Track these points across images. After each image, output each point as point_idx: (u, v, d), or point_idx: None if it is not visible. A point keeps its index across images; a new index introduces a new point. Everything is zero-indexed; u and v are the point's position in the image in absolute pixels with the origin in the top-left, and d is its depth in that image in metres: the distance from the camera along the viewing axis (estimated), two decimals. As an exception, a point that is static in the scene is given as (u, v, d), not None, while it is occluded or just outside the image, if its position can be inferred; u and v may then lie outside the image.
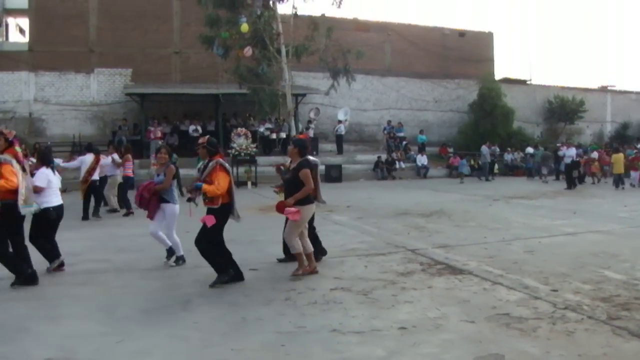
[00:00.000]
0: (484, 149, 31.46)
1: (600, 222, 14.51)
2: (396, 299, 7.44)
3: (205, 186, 7.99)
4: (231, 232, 13.11)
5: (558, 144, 33.19)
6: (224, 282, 8.13)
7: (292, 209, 8.45)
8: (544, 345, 5.68)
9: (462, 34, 41.53)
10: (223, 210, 8.27)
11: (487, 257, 10.04)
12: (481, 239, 11.98)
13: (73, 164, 16.64)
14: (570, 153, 25.41)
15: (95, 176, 16.10)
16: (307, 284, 8.21)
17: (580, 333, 6.00)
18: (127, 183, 17.92)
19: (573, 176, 24.81)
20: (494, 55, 43.19)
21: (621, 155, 26.55)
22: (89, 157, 16.02)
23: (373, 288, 7.96)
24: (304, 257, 8.77)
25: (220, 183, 8.03)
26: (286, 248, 9.21)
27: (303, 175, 8.58)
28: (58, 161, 13.68)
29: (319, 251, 9.71)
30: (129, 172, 18.22)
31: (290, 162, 9.34)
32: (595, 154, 31.31)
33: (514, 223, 14.39)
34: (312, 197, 8.98)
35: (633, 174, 26.76)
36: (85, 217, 15.80)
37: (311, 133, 32.98)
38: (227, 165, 8.34)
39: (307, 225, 9.08)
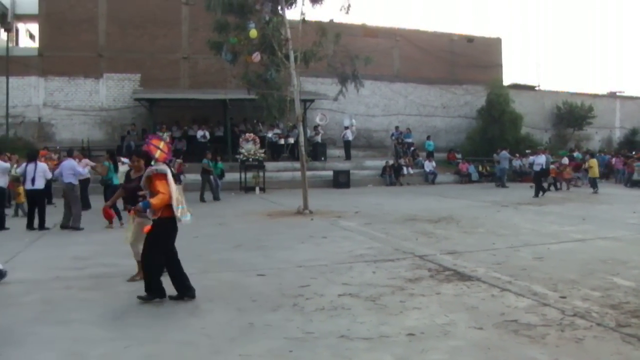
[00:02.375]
0: (504, 154, 31.19)
1: (609, 228, 14.44)
2: (404, 305, 7.42)
3: (152, 202, 7.57)
4: (239, 238, 13.21)
5: (527, 151, 33.10)
6: (151, 300, 7.69)
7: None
8: (552, 352, 5.65)
9: (470, 39, 41.48)
10: (162, 223, 7.69)
11: (495, 263, 10.01)
12: (490, 246, 11.94)
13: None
14: (539, 161, 25.20)
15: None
16: (315, 289, 8.19)
17: (589, 340, 5.97)
18: None
19: (542, 184, 24.74)
20: (502, 61, 43.13)
21: (595, 160, 28.29)
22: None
23: (381, 294, 7.94)
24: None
25: (161, 190, 7.55)
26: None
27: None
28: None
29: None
30: None
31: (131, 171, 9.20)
32: (565, 160, 31.20)
33: (523, 229, 14.35)
34: None
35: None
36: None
37: (319, 138, 33.06)
38: (162, 168, 7.76)
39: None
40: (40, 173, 15.48)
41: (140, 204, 7.73)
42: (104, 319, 6.99)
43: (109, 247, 12.28)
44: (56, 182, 17.60)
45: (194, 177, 25.83)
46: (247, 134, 28.39)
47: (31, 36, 41.99)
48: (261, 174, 27.05)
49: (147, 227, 7.70)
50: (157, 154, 7.89)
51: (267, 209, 19.40)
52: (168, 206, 7.60)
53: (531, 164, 31.84)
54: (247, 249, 11.93)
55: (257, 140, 27.89)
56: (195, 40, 33.25)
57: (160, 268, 7.80)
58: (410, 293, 8.00)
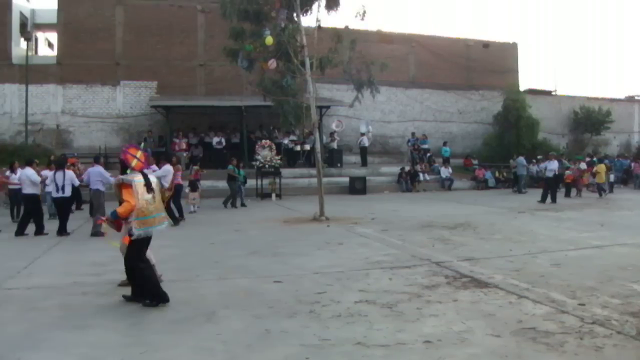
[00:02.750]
0: (521, 160, 30.94)
1: (628, 234, 14.32)
2: (421, 312, 7.38)
3: (117, 210, 7.72)
4: (255, 245, 13.22)
5: (539, 157, 32.78)
6: (155, 305, 7.82)
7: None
8: (571, 360, 5.59)
9: (486, 44, 41.36)
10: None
11: (513, 270, 9.93)
12: (507, 252, 11.86)
13: (157, 173, 17.21)
14: (552, 167, 24.78)
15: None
16: (331, 296, 8.17)
17: (609, 349, 5.90)
18: (179, 191, 18.83)
19: (555, 190, 24.35)
20: (519, 66, 42.90)
21: (603, 166, 28.26)
22: (169, 167, 17.30)
23: (398, 301, 7.90)
24: None
25: (126, 198, 7.71)
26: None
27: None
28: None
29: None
30: (179, 181, 19.19)
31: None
32: (583, 165, 30.62)
33: (540, 236, 14.25)
34: None
35: None
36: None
37: (335, 145, 33.05)
38: (127, 178, 7.88)
39: None
40: (68, 181, 15.69)
41: (110, 213, 7.97)
42: (120, 325, 7.00)
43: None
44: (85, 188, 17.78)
45: (210, 183, 25.94)
46: (263, 141, 28.45)
47: (50, 45, 42.46)
48: (277, 180, 27.06)
49: (126, 238, 7.84)
50: (134, 163, 8.07)
51: (283, 216, 19.41)
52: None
53: (538, 170, 31.71)
54: (263, 255, 11.93)
55: (273, 146, 27.92)
56: (211, 47, 33.39)
57: (151, 271, 8.06)
58: (427, 300, 7.96)
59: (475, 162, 36.34)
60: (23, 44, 31.89)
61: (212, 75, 34.64)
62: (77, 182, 16.39)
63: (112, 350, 6.04)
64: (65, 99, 33.14)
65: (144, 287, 7.88)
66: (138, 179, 7.85)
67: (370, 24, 41.15)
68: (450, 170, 33.68)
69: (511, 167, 32.86)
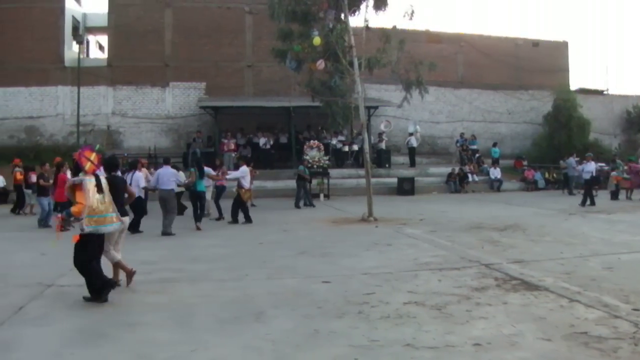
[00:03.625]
0: (571, 161, 30.36)
1: (684, 238, 13.96)
2: (470, 314, 7.30)
3: (72, 210, 8.06)
4: (304, 245, 13.25)
5: (576, 159, 31.50)
6: (88, 300, 8.07)
7: None
8: (625, 366, 5.48)
9: (535, 43, 40.80)
10: (88, 233, 8.08)
11: (563, 273, 9.74)
12: (557, 255, 11.65)
13: (236, 174, 18.72)
14: (588, 168, 24.13)
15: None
16: (380, 297, 8.13)
17: (665, 355, 5.75)
18: (221, 191, 19.89)
19: (592, 192, 23.59)
20: (569, 65, 42.27)
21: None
22: (246, 168, 18.67)
23: (447, 303, 7.83)
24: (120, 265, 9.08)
25: (78, 200, 8.04)
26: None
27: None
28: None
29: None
30: (224, 182, 20.08)
31: None
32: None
33: (592, 238, 13.95)
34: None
35: None
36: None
37: (383, 145, 32.97)
38: (78, 179, 8.22)
39: (119, 240, 9.21)
40: (134, 182, 16.00)
41: (64, 212, 8.44)
42: (170, 323, 7.08)
43: (176, 252, 12.51)
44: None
45: (259, 183, 26.05)
46: (312, 141, 28.54)
47: (101, 47, 43.31)
48: (325, 180, 27.11)
49: (76, 237, 8.10)
50: (87, 166, 8.32)
51: (332, 216, 19.42)
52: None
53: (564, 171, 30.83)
54: (311, 255, 11.95)
55: (322, 147, 28.00)
56: (259, 48, 33.69)
57: (96, 267, 8.21)
58: (477, 302, 7.87)
59: (525, 163, 35.84)
60: (75, 47, 32.55)
61: (260, 76, 34.91)
62: (142, 184, 16.68)
63: (162, 348, 6.11)
64: (115, 100, 33.84)
65: (90, 282, 8.10)
66: (89, 179, 8.20)
67: (418, 24, 40.95)
68: (499, 171, 33.32)
69: (561, 168, 32.33)
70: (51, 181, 18.57)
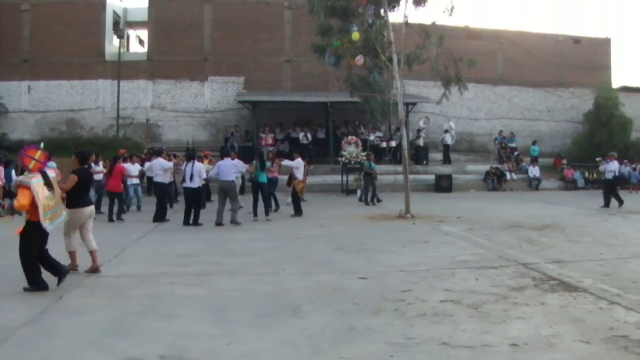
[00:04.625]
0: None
1: None
2: (508, 314, 7.21)
3: (14, 204, 8.32)
4: (340, 240, 13.23)
5: (598, 159, 30.35)
6: (33, 291, 8.16)
7: None
8: (668, 371, 5.35)
9: (576, 40, 40.13)
10: (28, 227, 8.21)
11: (603, 274, 9.56)
12: (597, 256, 11.45)
13: (291, 163, 19.40)
14: (611, 168, 23.42)
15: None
16: (417, 295, 8.08)
17: None
18: (275, 184, 19.99)
19: (617, 192, 22.87)
20: (612, 62, 41.47)
21: None
22: (301, 160, 19.48)
23: (484, 302, 7.75)
24: (75, 255, 9.44)
25: (19, 199, 8.09)
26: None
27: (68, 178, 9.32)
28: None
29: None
30: (276, 174, 20.16)
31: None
32: None
33: (633, 239, 13.69)
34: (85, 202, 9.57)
35: None
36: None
37: (421, 142, 32.79)
38: (25, 180, 8.19)
39: (87, 227, 9.53)
40: (196, 172, 16.33)
41: (11, 202, 8.96)
42: (207, 316, 7.11)
43: (213, 246, 12.61)
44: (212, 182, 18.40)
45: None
46: (350, 137, 28.53)
47: (141, 42, 43.74)
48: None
49: (19, 229, 8.27)
50: (31, 165, 8.42)
51: (369, 212, 19.40)
52: (36, 212, 8.12)
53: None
54: (348, 251, 11.93)
55: (359, 143, 27.95)
56: (297, 43, 33.71)
57: (34, 262, 8.27)
58: (514, 302, 7.77)
59: (564, 161, 35.35)
60: (116, 41, 32.90)
61: (298, 71, 34.93)
62: (204, 175, 17.07)
63: (199, 340, 6.14)
64: (154, 94, 34.15)
65: (26, 271, 8.22)
66: (36, 180, 8.23)
67: (457, 20, 40.69)
68: (538, 169, 32.91)
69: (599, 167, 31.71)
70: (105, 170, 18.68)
